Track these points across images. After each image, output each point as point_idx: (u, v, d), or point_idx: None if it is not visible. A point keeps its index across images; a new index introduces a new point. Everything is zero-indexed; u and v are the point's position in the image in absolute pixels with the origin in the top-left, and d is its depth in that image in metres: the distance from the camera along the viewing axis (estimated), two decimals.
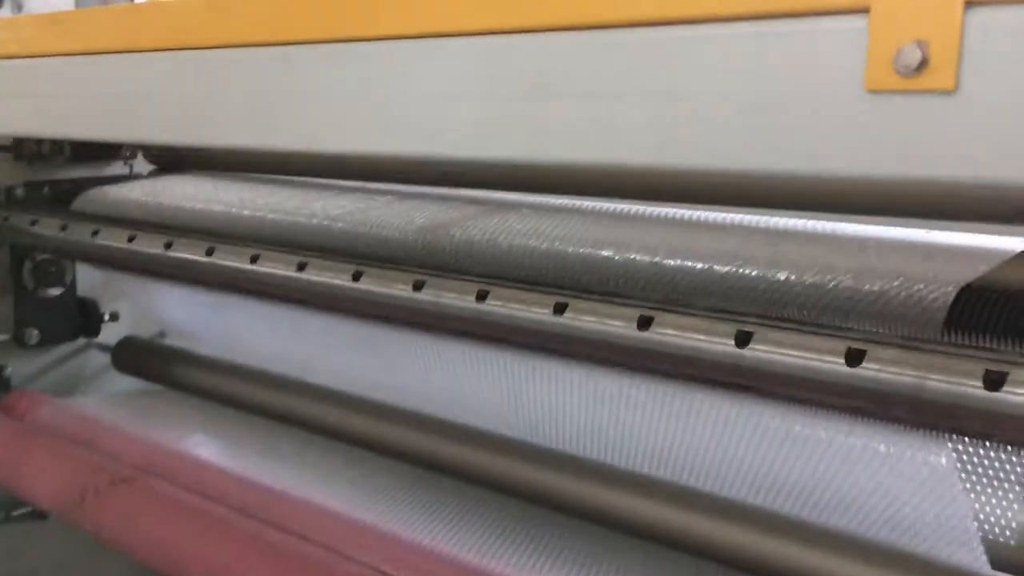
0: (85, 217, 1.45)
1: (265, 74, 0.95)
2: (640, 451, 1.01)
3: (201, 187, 1.44)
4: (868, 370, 0.71)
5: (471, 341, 1.05)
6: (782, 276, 0.82)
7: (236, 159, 1.52)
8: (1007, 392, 0.65)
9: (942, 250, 0.82)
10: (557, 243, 0.98)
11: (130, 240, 1.34)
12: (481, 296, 0.96)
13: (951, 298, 0.72)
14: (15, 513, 1.54)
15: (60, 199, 1.56)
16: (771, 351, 0.77)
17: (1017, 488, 0.78)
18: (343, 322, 1.22)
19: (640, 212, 1.05)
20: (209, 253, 1.24)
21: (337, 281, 1.10)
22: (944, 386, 0.67)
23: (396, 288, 1.04)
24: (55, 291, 1.63)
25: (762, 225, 0.96)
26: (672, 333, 0.82)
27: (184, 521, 1.16)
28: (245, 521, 1.13)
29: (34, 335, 1.62)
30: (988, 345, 0.68)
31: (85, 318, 1.68)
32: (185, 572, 1.09)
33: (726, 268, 0.85)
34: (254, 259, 1.19)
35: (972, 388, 0.66)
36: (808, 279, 0.80)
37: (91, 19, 1.23)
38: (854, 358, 0.71)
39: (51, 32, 1.24)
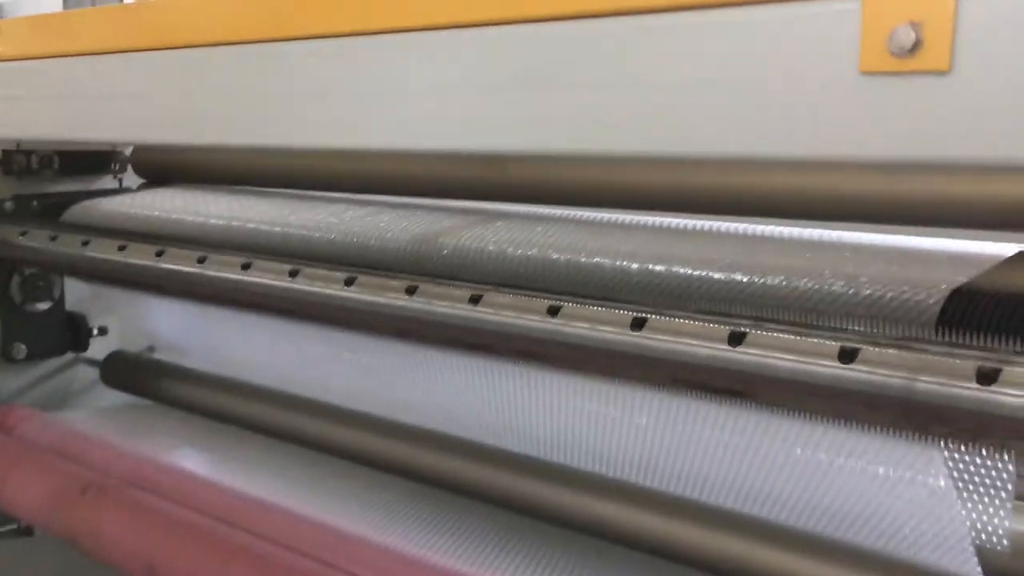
0: (74, 229, 1.45)
1: (255, 71, 0.95)
2: (631, 460, 1.00)
3: (191, 200, 1.44)
4: (860, 371, 0.71)
5: (464, 350, 1.05)
6: (774, 281, 0.82)
7: (226, 172, 1.52)
8: (999, 390, 0.65)
9: (933, 255, 0.83)
10: (548, 251, 0.98)
11: (120, 250, 1.34)
12: (474, 299, 0.96)
13: (943, 301, 0.73)
14: (1, 530, 1.52)
15: (49, 213, 1.55)
16: (765, 353, 0.76)
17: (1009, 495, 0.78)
18: (336, 335, 1.22)
19: (633, 221, 1.05)
20: (200, 262, 1.23)
21: (329, 289, 1.09)
22: (936, 386, 0.67)
23: (388, 295, 1.03)
24: (43, 305, 1.63)
25: (752, 232, 0.96)
26: (665, 334, 0.82)
27: (173, 535, 1.16)
28: (234, 533, 1.12)
29: (22, 350, 1.60)
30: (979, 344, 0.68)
31: (73, 333, 1.67)
32: None
33: (718, 274, 0.85)
34: (245, 267, 1.18)
35: (965, 385, 0.66)
36: (801, 284, 0.80)
37: (75, 21, 1.23)
38: (847, 355, 0.71)
39: (36, 35, 1.24)
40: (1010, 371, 0.66)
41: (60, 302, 1.65)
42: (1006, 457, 0.73)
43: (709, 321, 0.80)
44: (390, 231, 1.13)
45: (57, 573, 1.54)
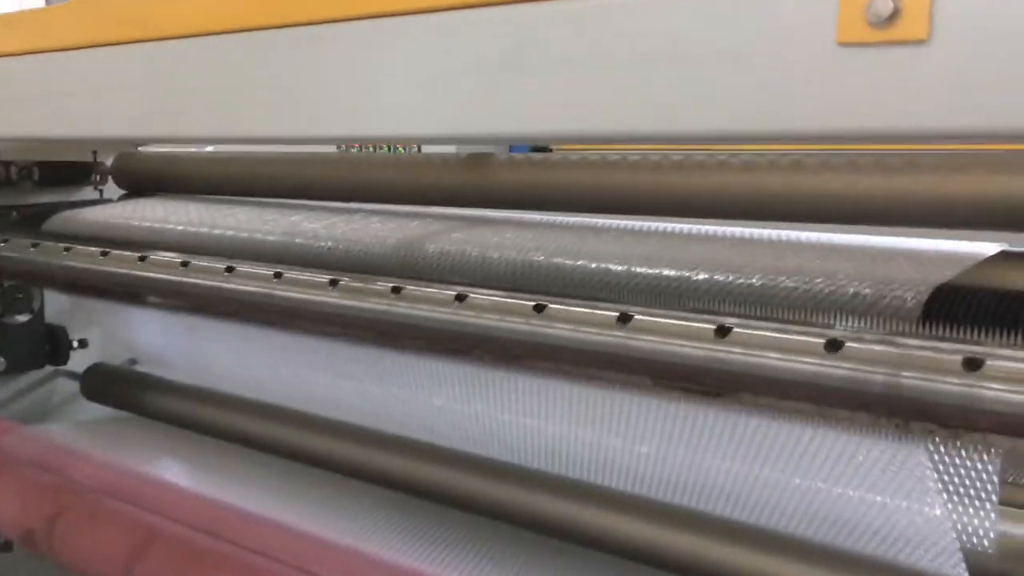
0: (53, 240, 1.44)
1: (231, 62, 0.95)
2: (614, 466, 1.00)
3: (172, 210, 1.43)
4: (844, 367, 0.70)
5: (450, 356, 1.04)
6: (758, 281, 0.82)
7: (207, 182, 1.51)
8: (982, 384, 0.65)
9: (916, 255, 0.83)
10: (531, 254, 0.98)
11: (100, 260, 1.33)
12: (460, 297, 0.96)
13: (924, 298, 0.73)
14: None
15: (29, 224, 1.54)
16: (751, 347, 0.76)
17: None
18: (319, 343, 1.22)
19: (625, 226, 1.05)
20: (182, 269, 1.23)
21: (313, 293, 1.09)
22: (920, 381, 0.67)
23: (373, 298, 1.03)
24: (22, 318, 1.61)
25: (740, 235, 0.97)
26: (651, 331, 0.82)
27: (153, 548, 1.14)
28: (215, 545, 1.11)
29: (0, 363, 1.59)
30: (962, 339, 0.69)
31: (53, 345, 1.65)
32: None
33: (703, 275, 0.85)
34: (228, 273, 1.18)
35: (948, 380, 0.66)
36: (786, 283, 0.80)
37: (50, 17, 1.22)
38: (833, 347, 0.71)
39: (9, 32, 1.23)
40: (993, 365, 0.66)
41: (40, 314, 1.63)
42: (990, 455, 0.73)
43: (694, 320, 0.80)
44: (373, 237, 1.13)
45: None
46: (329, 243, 1.15)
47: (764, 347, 0.77)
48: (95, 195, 1.67)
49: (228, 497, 1.22)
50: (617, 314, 0.85)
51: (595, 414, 0.97)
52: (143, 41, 1.04)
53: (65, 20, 1.16)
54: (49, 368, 1.68)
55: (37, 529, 1.26)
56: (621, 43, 0.69)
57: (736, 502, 0.92)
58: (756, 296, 0.82)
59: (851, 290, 0.77)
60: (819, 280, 0.79)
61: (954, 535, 0.78)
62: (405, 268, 1.06)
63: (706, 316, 0.81)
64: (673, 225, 1.03)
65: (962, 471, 0.78)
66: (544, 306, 0.91)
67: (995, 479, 0.76)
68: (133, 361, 1.65)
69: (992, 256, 0.80)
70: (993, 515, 0.78)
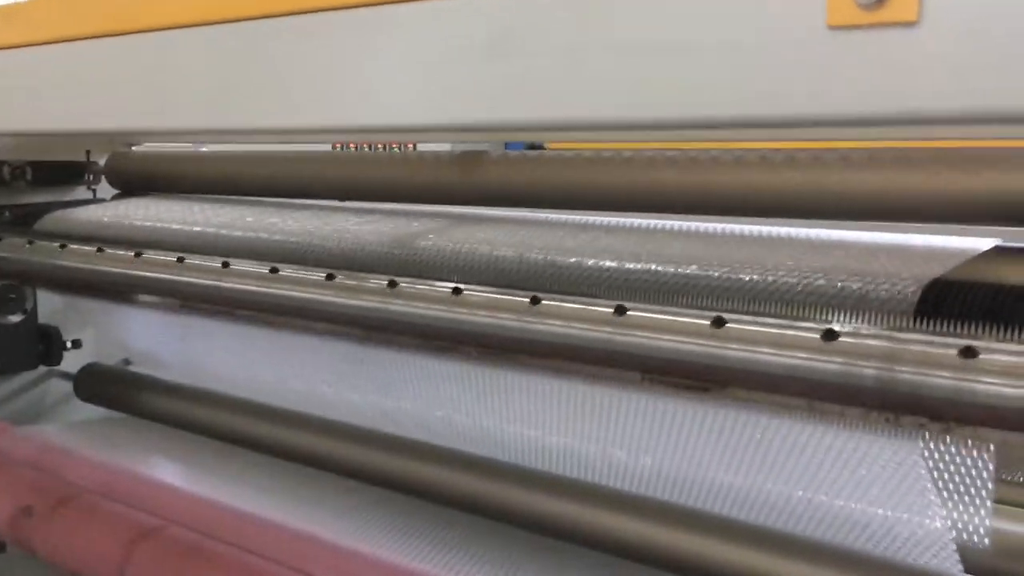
0: (46, 239, 1.43)
1: (220, 53, 0.94)
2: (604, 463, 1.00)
3: (166, 208, 1.43)
4: (837, 362, 0.70)
5: (445, 352, 1.04)
6: (753, 277, 0.82)
7: (200, 181, 1.51)
8: (976, 378, 0.64)
9: (911, 250, 0.83)
10: (526, 251, 0.97)
11: (93, 259, 1.32)
12: (456, 292, 0.96)
13: (919, 293, 0.73)
14: None
15: (21, 224, 1.53)
16: (746, 342, 0.76)
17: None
18: (313, 341, 1.21)
19: (619, 223, 1.05)
20: (176, 268, 1.22)
21: (308, 291, 1.09)
22: (914, 375, 0.67)
23: (367, 295, 1.02)
24: (15, 318, 1.60)
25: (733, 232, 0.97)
26: (644, 326, 0.81)
27: (147, 548, 1.14)
28: (210, 544, 1.10)
29: None
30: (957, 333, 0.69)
31: (46, 346, 1.65)
32: None
33: (696, 270, 0.85)
34: (222, 271, 1.17)
35: (943, 374, 0.66)
36: (781, 278, 0.80)
37: (34, 10, 1.21)
38: (828, 339, 0.71)
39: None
40: (986, 359, 0.66)
41: (32, 315, 1.63)
42: (985, 449, 0.73)
43: (688, 315, 0.80)
44: (368, 235, 1.13)
45: None
46: (323, 241, 1.15)
47: (758, 342, 0.76)
48: (88, 195, 1.67)
49: (222, 497, 1.22)
50: (611, 309, 0.85)
51: (587, 409, 0.97)
52: (130, 33, 1.03)
53: (50, 13, 1.16)
54: (42, 368, 1.67)
55: (31, 530, 1.25)
56: (611, 30, 0.69)
57: (735, 498, 0.92)
58: (751, 292, 0.81)
59: (846, 285, 0.77)
60: (814, 275, 0.79)
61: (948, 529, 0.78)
62: (400, 266, 1.05)
63: (701, 311, 0.80)
64: (667, 222, 1.02)
65: (957, 466, 0.78)
66: (539, 301, 0.91)
67: (990, 474, 0.76)
68: (127, 361, 1.64)
69: (986, 251, 0.80)
70: (987, 510, 0.78)
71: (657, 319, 0.82)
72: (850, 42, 0.58)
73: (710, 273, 0.85)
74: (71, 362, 1.66)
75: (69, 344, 1.66)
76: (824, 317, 0.76)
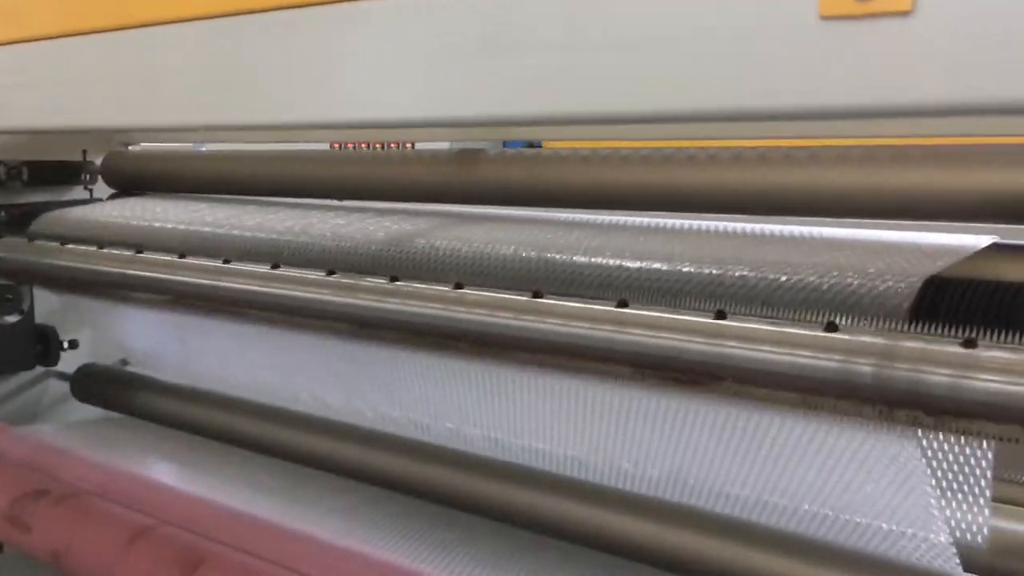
0: (42, 239, 1.43)
1: (214, 47, 0.94)
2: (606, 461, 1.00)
3: (163, 208, 1.43)
4: (834, 358, 0.70)
5: (443, 350, 1.04)
6: (750, 274, 0.82)
7: (197, 181, 1.51)
8: (974, 376, 0.64)
9: (907, 247, 0.83)
10: (523, 249, 0.97)
11: (90, 258, 1.32)
12: (454, 292, 0.96)
13: (916, 288, 0.72)
14: None
15: (17, 223, 1.53)
16: (744, 339, 0.76)
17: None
18: (310, 341, 1.21)
19: (616, 221, 1.05)
20: (173, 268, 1.22)
21: (305, 290, 1.08)
22: (911, 372, 0.67)
23: (366, 292, 1.02)
24: (12, 319, 1.60)
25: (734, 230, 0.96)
26: (642, 324, 0.81)
27: (144, 548, 1.14)
28: (207, 544, 1.10)
29: None
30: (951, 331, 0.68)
31: (43, 346, 1.64)
32: None
33: (693, 268, 0.85)
34: (219, 268, 1.17)
35: (940, 372, 0.65)
36: (778, 276, 0.80)
37: (25, 6, 1.21)
38: (824, 337, 0.71)
39: None
40: (983, 356, 0.65)
41: (29, 315, 1.62)
42: (983, 447, 0.73)
43: (686, 313, 0.80)
44: (366, 234, 1.12)
45: None
46: (320, 240, 1.15)
47: (756, 339, 0.76)
48: (85, 195, 1.66)
49: (219, 497, 1.22)
50: (610, 308, 0.84)
51: (588, 407, 0.97)
52: (124, 29, 1.03)
53: (44, 9, 1.15)
54: (39, 369, 1.67)
55: (28, 529, 1.25)
56: (604, 22, 0.68)
57: (736, 497, 0.91)
58: (749, 289, 0.81)
59: (843, 282, 0.77)
60: (810, 272, 0.79)
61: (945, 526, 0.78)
62: (397, 264, 1.05)
63: (698, 309, 0.80)
64: (664, 220, 1.02)
65: (954, 463, 0.78)
66: (537, 300, 0.90)
67: (988, 471, 0.76)
68: (124, 362, 1.64)
69: (983, 248, 0.80)
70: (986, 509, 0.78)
71: (655, 317, 0.82)
72: (843, 32, 0.58)
73: (707, 271, 0.85)
74: (68, 362, 1.66)
75: (66, 344, 1.65)
76: (821, 314, 0.75)
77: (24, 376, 1.66)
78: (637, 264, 0.89)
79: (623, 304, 0.85)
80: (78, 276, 1.35)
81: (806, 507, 0.86)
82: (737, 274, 0.82)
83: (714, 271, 0.84)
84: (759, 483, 0.88)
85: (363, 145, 2.90)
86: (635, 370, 0.84)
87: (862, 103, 0.59)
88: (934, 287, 0.74)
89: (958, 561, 0.79)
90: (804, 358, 0.73)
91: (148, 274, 1.26)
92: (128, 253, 1.29)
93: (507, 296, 0.93)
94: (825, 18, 0.58)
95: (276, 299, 1.12)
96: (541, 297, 0.91)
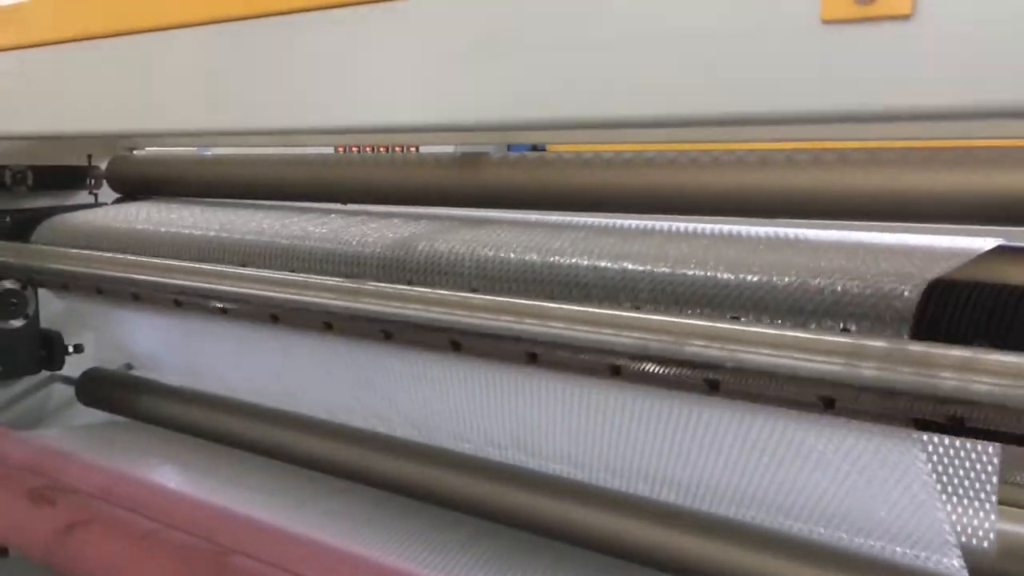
0: (48, 243, 1.43)
1: (219, 52, 0.94)
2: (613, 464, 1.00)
3: (167, 212, 1.43)
4: (837, 363, 0.70)
5: (446, 354, 1.04)
6: (755, 278, 0.82)
7: (202, 185, 1.51)
8: (978, 379, 0.64)
9: (912, 250, 0.82)
10: (528, 254, 0.97)
11: (97, 259, 1.32)
12: (459, 294, 0.96)
13: (921, 293, 0.72)
14: None
15: (22, 228, 1.53)
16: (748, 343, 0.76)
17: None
18: (316, 344, 1.21)
19: (620, 224, 1.05)
20: (177, 272, 1.22)
21: (310, 294, 1.08)
22: (916, 377, 0.67)
23: (371, 296, 1.02)
24: (17, 323, 1.60)
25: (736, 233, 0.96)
26: (644, 328, 0.81)
27: (149, 552, 1.13)
28: (213, 549, 1.10)
29: None
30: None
31: (48, 351, 1.65)
32: None
33: (698, 272, 0.85)
34: (224, 272, 1.17)
35: (944, 376, 0.65)
36: (782, 279, 0.80)
37: (27, 11, 1.21)
38: (828, 342, 0.70)
39: None
40: (989, 360, 0.65)
41: (35, 319, 1.62)
42: (989, 451, 0.73)
43: (689, 317, 0.79)
44: (370, 238, 1.12)
45: None
46: (325, 244, 1.15)
47: (760, 343, 0.76)
48: (90, 199, 1.67)
49: (225, 501, 1.22)
50: (614, 312, 0.84)
51: (591, 410, 0.97)
52: (129, 34, 1.03)
53: (50, 14, 1.16)
54: (44, 373, 1.67)
55: (33, 534, 1.25)
56: (606, 27, 0.68)
57: (738, 496, 0.91)
58: (753, 292, 0.81)
59: (847, 286, 0.77)
60: (814, 276, 0.79)
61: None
62: (402, 268, 1.05)
63: (701, 312, 0.80)
64: (667, 223, 1.02)
65: (960, 467, 0.78)
66: (540, 305, 0.90)
67: (993, 476, 0.76)
68: (129, 366, 1.64)
69: (989, 251, 0.80)
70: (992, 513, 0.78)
71: (658, 320, 0.82)
72: (844, 36, 0.58)
73: (711, 274, 0.84)
74: (73, 367, 1.66)
75: (71, 349, 1.65)
76: (825, 318, 0.75)
77: (29, 380, 1.66)
78: (639, 268, 0.88)
79: (625, 307, 0.85)
80: (83, 280, 1.36)
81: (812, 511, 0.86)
82: (741, 278, 0.82)
83: (717, 274, 0.84)
84: (764, 484, 0.88)
85: (367, 149, 2.90)
86: (640, 373, 0.84)
87: (863, 107, 0.59)
88: (939, 290, 0.74)
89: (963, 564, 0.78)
90: (807, 363, 0.73)
91: (152, 278, 1.27)
92: (133, 257, 1.30)
93: (511, 299, 0.93)
94: (826, 22, 0.58)
95: (281, 303, 1.12)
96: (542, 302, 0.91)
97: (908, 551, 0.82)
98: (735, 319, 0.80)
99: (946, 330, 0.71)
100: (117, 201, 1.62)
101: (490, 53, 0.75)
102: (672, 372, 0.82)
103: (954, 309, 0.72)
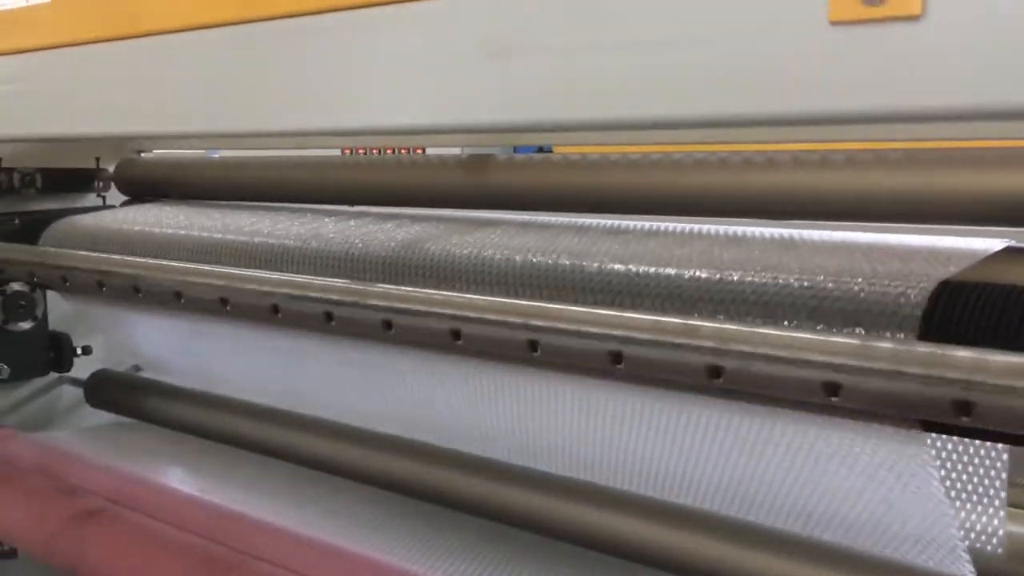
0: (56, 245, 1.44)
1: (228, 55, 0.95)
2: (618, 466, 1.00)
3: (176, 215, 1.43)
4: (846, 364, 0.70)
5: (451, 357, 1.04)
6: (760, 279, 0.81)
7: (210, 187, 1.51)
8: (988, 381, 0.64)
9: (919, 251, 0.82)
10: (534, 255, 0.97)
11: (105, 261, 1.33)
12: (464, 295, 0.96)
13: (928, 294, 0.72)
14: None
15: (31, 230, 1.54)
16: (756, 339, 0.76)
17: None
18: (324, 347, 1.21)
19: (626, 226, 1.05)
20: (186, 275, 1.23)
21: (319, 293, 1.09)
22: (923, 380, 0.67)
23: (376, 300, 1.02)
24: (25, 325, 1.61)
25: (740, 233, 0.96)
26: (650, 329, 0.81)
27: (158, 554, 1.14)
28: (222, 551, 1.10)
29: (4, 370, 1.59)
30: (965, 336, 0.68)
31: (56, 353, 1.65)
32: None
33: (703, 273, 0.85)
34: (233, 274, 1.18)
35: (953, 378, 0.65)
36: (787, 280, 0.80)
37: (36, 14, 1.22)
38: (836, 344, 0.70)
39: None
40: (998, 361, 0.65)
41: (43, 321, 1.63)
42: (997, 453, 0.73)
43: (694, 319, 0.79)
44: (377, 239, 1.12)
45: None
46: (333, 246, 1.15)
47: (767, 344, 0.76)
48: (98, 202, 1.67)
49: (234, 503, 1.22)
50: (620, 313, 0.84)
51: (593, 412, 0.97)
52: (138, 37, 1.03)
53: (51, 17, 1.16)
54: (53, 375, 1.68)
55: (41, 536, 1.25)
56: (613, 28, 0.68)
57: (741, 497, 0.91)
58: (758, 294, 0.81)
59: (854, 287, 0.77)
60: (821, 277, 0.78)
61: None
62: (409, 270, 1.05)
63: (705, 313, 0.80)
64: (674, 224, 1.02)
65: (968, 470, 0.78)
66: (545, 308, 0.90)
67: (1003, 477, 0.76)
68: (137, 368, 1.65)
69: (997, 252, 0.79)
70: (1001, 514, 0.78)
71: (664, 322, 0.82)
72: (852, 37, 0.58)
73: (719, 276, 0.84)
74: (81, 369, 1.67)
75: (79, 351, 1.66)
76: (832, 319, 0.75)
77: (38, 382, 1.67)
78: (646, 269, 0.88)
79: (629, 310, 0.85)
80: (91, 282, 1.36)
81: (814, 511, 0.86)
82: (748, 279, 0.82)
83: (724, 275, 0.84)
84: (773, 485, 0.88)
85: (374, 151, 2.91)
86: (642, 376, 0.84)
87: (872, 108, 0.59)
88: (948, 291, 0.73)
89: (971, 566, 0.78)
90: (815, 361, 0.73)
91: (161, 280, 1.27)
92: (141, 259, 1.30)
93: (517, 302, 0.93)
94: (835, 23, 0.58)
95: (289, 304, 1.12)
96: (548, 304, 0.91)
97: (915, 553, 0.81)
98: (742, 320, 0.80)
99: (955, 331, 0.71)
100: (125, 203, 1.63)
101: (498, 55, 0.75)
102: (680, 373, 0.82)
103: (963, 310, 0.72)
